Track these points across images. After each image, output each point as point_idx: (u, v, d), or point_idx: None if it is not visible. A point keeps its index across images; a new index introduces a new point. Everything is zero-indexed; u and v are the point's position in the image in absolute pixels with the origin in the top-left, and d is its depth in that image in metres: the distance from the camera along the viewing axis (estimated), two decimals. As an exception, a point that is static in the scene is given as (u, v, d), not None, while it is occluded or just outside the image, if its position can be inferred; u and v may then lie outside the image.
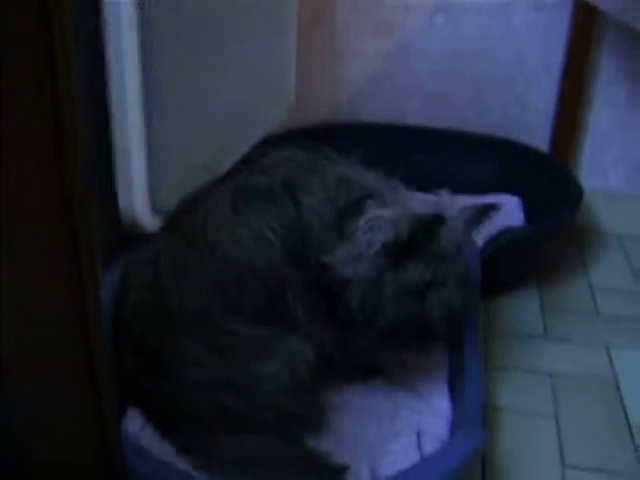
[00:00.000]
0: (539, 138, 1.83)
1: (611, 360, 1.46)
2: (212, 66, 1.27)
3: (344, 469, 0.99)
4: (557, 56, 1.77)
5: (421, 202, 1.20)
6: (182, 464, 0.96)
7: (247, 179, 1.10)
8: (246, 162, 1.21)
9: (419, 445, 1.01)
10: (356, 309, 1.04)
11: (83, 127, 0.66)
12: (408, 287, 1.04)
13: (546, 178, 1.73)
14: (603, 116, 1.84)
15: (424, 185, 1.74)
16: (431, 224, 1.04)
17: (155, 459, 0.90)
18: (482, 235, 1.55)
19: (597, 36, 1.74)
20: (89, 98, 1.06)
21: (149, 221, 1.13)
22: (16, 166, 0.58)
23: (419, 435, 1.03)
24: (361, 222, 1.05)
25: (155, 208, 1.14)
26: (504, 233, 1.48)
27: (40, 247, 0.64)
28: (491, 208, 1.12)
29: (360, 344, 1.10)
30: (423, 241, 1.04)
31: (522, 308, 1.61)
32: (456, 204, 1.76)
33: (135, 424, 0.98)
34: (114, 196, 1.12)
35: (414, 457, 1.00)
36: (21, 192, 0.59)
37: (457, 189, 1.83)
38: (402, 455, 0.97)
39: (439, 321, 1.05)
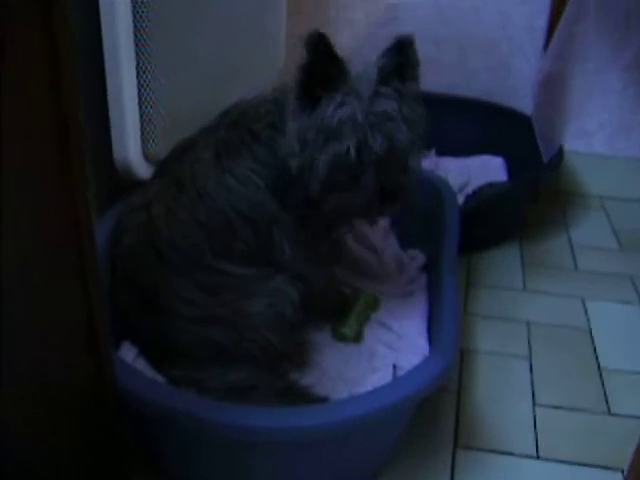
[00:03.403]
0: (524, 101, 1.88)
1: (586, 311, 1.52)
2: (204, 25, 1.31)
3: (324, 399, 1.06)
4: (542, 20, 1.82)
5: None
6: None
7: (226, 132, 1.14)
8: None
9: (394, 376, 1.08)
10: (296, 173, 1.03)
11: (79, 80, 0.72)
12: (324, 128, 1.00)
13: (529, 139, 1.78)
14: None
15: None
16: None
17: (145, 377, 0.96)
18: (464, 191, 1.62)
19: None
20: (82, 52, 1.12)
21: (142, 169, 1.19)
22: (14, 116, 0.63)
23: (395, 368, 1.10)
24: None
25: (148, 157, 1.20)
26: (484, 188, 1.54)
27: (38, 196, 0.70)
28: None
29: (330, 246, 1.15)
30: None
31: (504, 263, 1.68)
32: (441, 165, 1.82)
33: (129, 356, 1.04)
34: (109, 146, 1.18)
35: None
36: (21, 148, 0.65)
37: (443, 151, 1.90)
38: (378, 384, 1.03)
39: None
